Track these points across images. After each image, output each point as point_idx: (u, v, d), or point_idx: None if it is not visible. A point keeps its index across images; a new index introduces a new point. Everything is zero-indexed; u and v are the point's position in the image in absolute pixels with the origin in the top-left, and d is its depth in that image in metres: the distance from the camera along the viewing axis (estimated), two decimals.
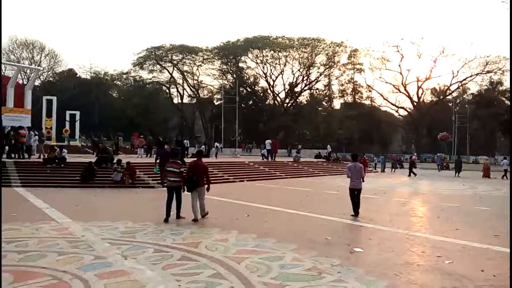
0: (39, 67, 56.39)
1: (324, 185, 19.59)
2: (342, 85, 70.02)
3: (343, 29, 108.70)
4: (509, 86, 58.75)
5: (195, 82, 72.14)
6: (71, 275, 4.85)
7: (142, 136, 29.94)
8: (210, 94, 73.75)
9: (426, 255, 6.25)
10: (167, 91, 73.29)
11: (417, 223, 9.58)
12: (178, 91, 73.27)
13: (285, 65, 68.92)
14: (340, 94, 70.77)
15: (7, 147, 19.92)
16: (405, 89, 67.19)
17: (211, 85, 72.85)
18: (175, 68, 69.90)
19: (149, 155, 26.00)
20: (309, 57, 67.93)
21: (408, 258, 6.08)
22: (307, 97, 71.96)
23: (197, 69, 70.66)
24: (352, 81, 69.28)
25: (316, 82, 70.82)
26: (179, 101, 72.98)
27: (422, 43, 74.36)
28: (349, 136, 63.00)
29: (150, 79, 70.67)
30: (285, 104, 71.50)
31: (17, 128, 20.31)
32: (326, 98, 71.32)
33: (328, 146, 40.08)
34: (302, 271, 5.20)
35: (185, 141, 27.70)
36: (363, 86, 69.62)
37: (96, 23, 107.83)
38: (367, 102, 70.97)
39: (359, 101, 70.05)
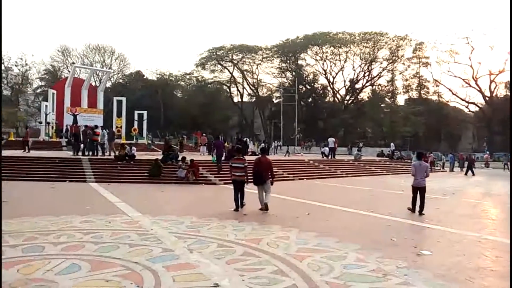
0: (110, 70, 60.18)
1: (387, 185, 18.94)
2: (406, 80, 67.04)
3: (407, 22, 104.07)
4: None
5: (254, 80, 73.07)
6: (141, 266, 5.13)
7: (204, 134, 30.85)
8: (269, 92, 74.31)
9: (501, 260, 5.82)
10: (228, 90, 74.95)
11: (489, 225, 8.97)
12: (238, 90, 74.70)
13: (345, 61, 67.54)
14: (404, 90, 67.84)
15: (82, 145, 21.49)
16: (476, 83, 62.75)
17: (270, 83, 73.42)
18: (235, 68, 71.21)
19: (211, 153, 26.70)
20: (371, 52, 65.91)
21: (481, 262, 5.71)
22: (368, 93, 69.89)
23: (257, 67, 71.51)
24: (418, 75, 66.05)
25: (379, 78, 68.58)
26: (239, 99, 74.31)
27: (495, 34, 69.13)
28: (414, 133, 60.17)
29: (212, 78, 72.73)
30: (346, 101, 70.02)
31: (93, 127, 21.77)
32: (389, 94, 68.72)
33: (392, 144, 38.66)
34: (366, 272, 5.08)
35: (246, 139, 28.17)
36: (429, 80, 66.14)
37: (161, 28, 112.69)
38: (434, 97, 67.34)
39: (425, 96, 66.64)
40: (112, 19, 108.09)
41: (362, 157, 30.92)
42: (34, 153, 22.37)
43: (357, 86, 69.35)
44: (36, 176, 16.36)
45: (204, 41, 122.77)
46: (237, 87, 74.40)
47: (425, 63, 64.57)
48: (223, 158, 18.67)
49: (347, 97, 70.56)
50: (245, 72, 72.01)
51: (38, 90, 65.19)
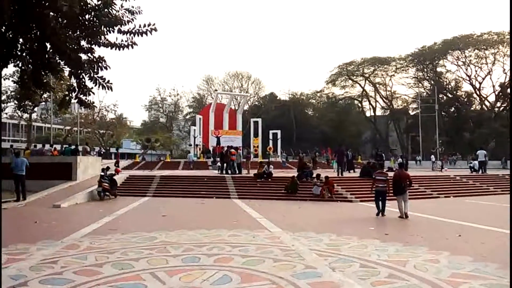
0: (247, 94, 64.68)
1: None
2: None
3: None
4: None
5: (387, 93, 70.00)
6: (286, 281, 5.37)
7: (335, 150, 30.60)
8: (405, 104, 70.14)
9: None
10: (359, 104, 73.26)
11: None
12: (370, 103, 72.42)
13: (493, 63, 59.89)
14: None
15: (225, 164, 23.39)
16: None
17: (405, 95, 69.36)
18: (367, 81, 69.34)
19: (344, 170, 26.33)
20: None
21: None
22: None
23: (390, 79, 68.44)
24: None
25: None
26: (372, 113, 71.94)
27: None
28: None
29: (342, 94, 72.10)
30: (496, 108, 61.83)
31: (230, 148, 23.67)
32: None
33: None
34: None
35: (382, 154, 27.24)
36: None
37: (293, 49, 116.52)
38: None
39: None
40: (247, 46, 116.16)
41: None
42: (185, 172, 25.23)
43: (509, 90, 60.71)
44: (188, 192, 18.40)
45: (335, 58, 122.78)
46: (369, 101, 72.24)
47: None
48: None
49: (498, 104, 62.26)
50: (377, 85, 69.58)
51: (188, 116, 73.39)
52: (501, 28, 59.76)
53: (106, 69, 7.00)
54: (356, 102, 73.35)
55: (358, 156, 42.10)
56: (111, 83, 6.90)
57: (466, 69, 62.29)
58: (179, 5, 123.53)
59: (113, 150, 57.83)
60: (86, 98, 7.10)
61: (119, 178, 19.58)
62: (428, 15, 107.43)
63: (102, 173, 17.34)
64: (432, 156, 38.76)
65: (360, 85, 70.25)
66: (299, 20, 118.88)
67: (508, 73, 59.79)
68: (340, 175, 21.85)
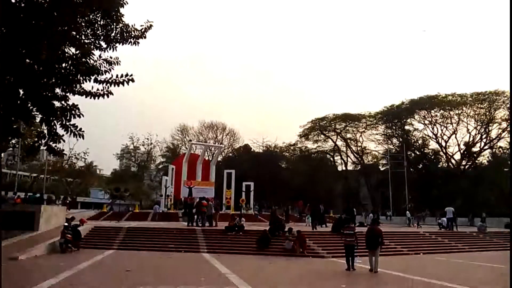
0: (221, 145, 64.91)
1: None
2: None
3: None
4: None
5: (358, 148, 71.86)
6: None
7: (308, 204, 30.66)
8: (375, 160, 71.98)
9: None
10: (331, 159, 74.59)
11: None
12: (342, 158, 73.87)
13: (458, 123, 63.01)
14: None
15: (195, 216, 22.90)
16: None
17: (375, 151, 71.32)
18: (339, 137, 71.21)
19: (317, 224, 26.25)
20: (487, 113, 60.75)
21: None
22: (488, 157, 63.36)
23: (361, 135, 70.55)
24: None
25: (499, 140, 62.10)
26: (343, 168, 73.19)
27: None
28: None
29: (315, 148, 73.42)
30: (462, 166, 64.24)
31: (201, 199, 23.36)
32: None
33: None
34: None
35: (353, 209, 27.35)
36: None
37: (267, 104, 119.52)
38: None
39: None
40: (223, 97, 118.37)
41: (487, 228, 27.47)
42: (153, 224, 24.47)
43: (474, 149, 63.57)
44: (156, 246, 17.73)
45: (308, 113, 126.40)
46: (341, 155, 73.78)
47: None
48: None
49: (464, 162, 64.80)
50: (348, 141, 71.49)
51: (160, 166, 72.39)
52: (464, 91, 63.60)
53: (79, 117, 6.97)
54: (328, 156, 74.76)
55: (330, 210, 42.22)
56: (83, 131, 6.84)
57: (433, 128, 65.18)
58: (158, 54, 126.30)
59: (80, 199, 55.94)
60: (56, 146, 6.97)
61: (84, 229, 18.80)
62: (398, 76, 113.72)
63: (66, 224, 16.61)
64: (408, 212, 39.28)
65: (332, 140, 72.05)
66: (274, 75, 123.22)
67: (472, 133, 62.99)
68: (313, 229, 21.82)
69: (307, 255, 16.36)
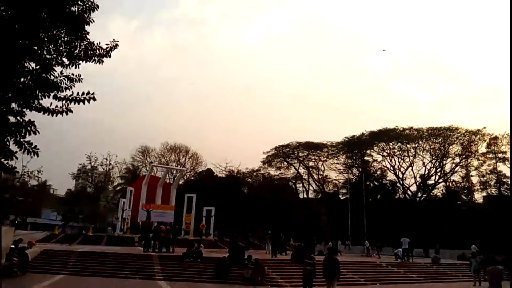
0: (183, 168, 63.97)
1: None
2: (483, 176, 62.90)
3: (479, 116, 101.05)
4: None
5: (320, 177, 73.03)
6: None
7: (269, 231, 30.53)
8: (336, 189, 73.34)
9: None
10: (294, 186, 75.31)
11: None
12: (304, 186, 74.74)
13: (414, 156, 65.73)
14: (482, 187, 63.27)
15: (152, 241, 22.20)
16: None
17: (336, 180, 72.76)
18: (301, 164, 72.25)
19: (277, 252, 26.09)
20: (442, 148, 63.84)
21: None
22: (442, 190, 66.16)
23: (322, 164, 71.90)
24: (496, 171, 61.83)
25: (452, 174, 65.15)
26: (305, 196, 73.96)
27: None
28: (500, 235, 54.29)
29: (278, 175, 73.93)
30: (418, 198, 66.62)
31: (159, 224, 22.77)
32: (465, 191, 64.39)
33: (473, 246, 35.18)
34: None
35: (314, 238, 27.61)
36: (508, 176, 61.27)
37: (231, 129, 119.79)
38: None
39: (507, 194, 61.32)
40: (187, 121, 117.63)
41: (441, 260, 28.33)
42: (106, 249, 23.45)
43: (429, 182, 66.25)
44: (109, 271, 16.94)
45: (272, 140, 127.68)
46: (302, 183, 74.68)
47: (501, 158, 60.72)
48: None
49: (419, 194, 67.26)
50: (310, 169, 72.63)
51: (118, 188, 70.11)
52: (420, 125, 66.51)
53: (35, 133, 6.68)
54: (290, 183, 75.43)
55: (291, 238, 42.21)
56: (38, 149, 6.56)
57: (391, 160, 67.56)
58: (124, 76, 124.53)
59: (30, 219, 53.01)
60: (7, 163, 6.63)
61: (32, 252, 17.74)
62: (360, 108, 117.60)
63: (13, 246, 15.62)
64: (366, 242, 39.86)
65: (294, 167, 72.94)
66: (239, 102, 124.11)
67: (427, 166, 65.71)
68: (273, 257, 21.66)
69: (266, 284, 16.16)
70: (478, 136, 62.30)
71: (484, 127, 63.20)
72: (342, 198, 69.55)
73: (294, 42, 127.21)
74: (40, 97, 6.86)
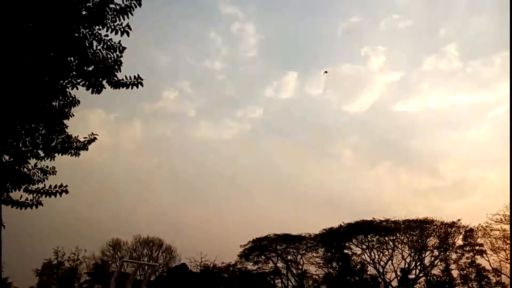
0: (155, 264, 60.96)
1: None
2: (463, 269, 62.12)
3: (454, 209, 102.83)
4: None
5: (299, 271, 70.55)
6: None
7: None
8: (316, 284, 70.49)
9: None
10: (272, 282, 72.07)
11: None
12: (282, 282, 71.59)
13: (393, 249, 64.96)
14: (462, 280, 62.13)
15: None
16: None
17: (315, 274, 70.30)
18: (279, 258, 70.08)
19: None
20: (419, 240, 63.69)
21: None
22: (424, 284, 64.48)
23: (301, 257, 69.96)
24: (474, 264, 61.32)
25: (432, 267, 64.18)
26: None
27: None
28: None
29: (255, 270, 71.08)
30: None
31: None
32: (446, 286, 62.92)
33: None
34: None
35: None
36: (488, 270, 60.71)
37: (210, 220, 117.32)
38: None
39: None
40: (162, 213, 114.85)
41: None
42: None
43: (410, 276, 64.73)
44: None
45: (251, 230, 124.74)
46: (281, 279, 71.56)
47: (479, 250, 60.73)
48: None
49: None
50: (289, 263, 70.35)
51: (85, 285, 65.42)
52: (397, 217, 66.77)
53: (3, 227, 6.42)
54: (269, 279, 72.27)
55: None
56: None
57: (370, 253, 66.41)
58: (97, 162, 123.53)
59: None
60: None
61: None
62: (335, 199, 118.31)
63: None
64: None
65: (272, 261, 70.56)
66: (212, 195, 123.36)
67: (407, 260, 64.70)
68: None
69: None
70: (454, 229, 62.86)
71: (459, 219, 64.15)
72: None
73: (268, 132, 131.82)
74: (9, 190, 6.72)
